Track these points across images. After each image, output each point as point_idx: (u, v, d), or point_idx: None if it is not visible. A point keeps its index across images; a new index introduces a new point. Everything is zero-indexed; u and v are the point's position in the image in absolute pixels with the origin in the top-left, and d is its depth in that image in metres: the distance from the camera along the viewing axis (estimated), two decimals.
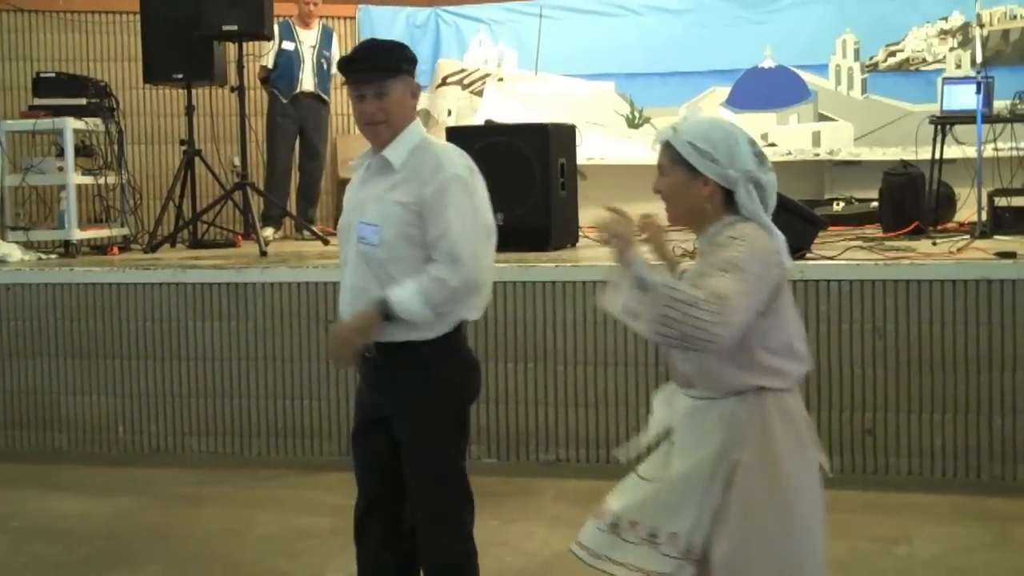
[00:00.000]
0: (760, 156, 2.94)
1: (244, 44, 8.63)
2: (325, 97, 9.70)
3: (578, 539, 3.05)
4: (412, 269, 3.44)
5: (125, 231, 8.73)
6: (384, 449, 3.60)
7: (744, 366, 2.86)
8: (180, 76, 8.79)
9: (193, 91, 8.90)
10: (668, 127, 2.97)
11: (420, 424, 3.52)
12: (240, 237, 8.88)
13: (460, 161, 3.52)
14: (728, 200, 2.92)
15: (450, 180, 3.45)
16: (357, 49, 3.71)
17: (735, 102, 10.23)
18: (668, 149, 2.93)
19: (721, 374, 2.87)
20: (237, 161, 8.81)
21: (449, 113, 10.68)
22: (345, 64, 3.57)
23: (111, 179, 8.56)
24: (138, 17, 9.03)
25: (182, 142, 8.87)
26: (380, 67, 3.48)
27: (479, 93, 10.75)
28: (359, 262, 3.52)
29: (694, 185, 2.89)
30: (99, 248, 8.51)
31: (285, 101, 9.47)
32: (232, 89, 8.63)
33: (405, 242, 3.45)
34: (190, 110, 8.81)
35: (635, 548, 2.95)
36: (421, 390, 3.51)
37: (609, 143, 10.04)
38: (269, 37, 8.64)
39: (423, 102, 10.78)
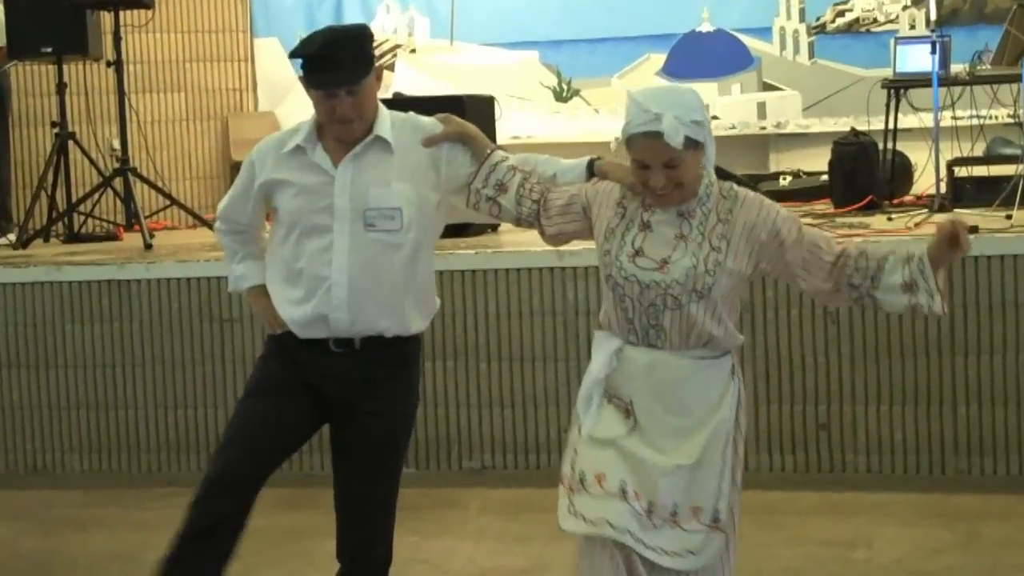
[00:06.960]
0: None
1: (121, 13, 8.52)
2: None
3: (587, 516, 3.12)
4: None
5: None
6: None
7: (734, 323, 3.17)
8: (49, 50, 8.65)
9: (64, 67, 8.75)
10: (665, 119, 2.96)
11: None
12: (122, 229, 8.77)
13: None
14: None
15: None
16: (321, 45, 3.55)
17: (672, 70, 10.29)
18: (676, 138, 2.97)
19: (729, 333, 3.13)
20: (116, 144, 8.72)
21: None
22: (313, 62, 3.53)
23: None
24: None
25: (54, 124, 8.74)
26: (357, 66, 3.58)
27: (390, 67, 10.71)
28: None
29: (699, 155, 3.09)
30: None
31: None
32: (109, 64, 8.51)
33: None
34: (61, 88, 8.65)
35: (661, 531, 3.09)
36: None
37: (536, 119, 10.05)
38: (149, 5, 8.55)
39: None
